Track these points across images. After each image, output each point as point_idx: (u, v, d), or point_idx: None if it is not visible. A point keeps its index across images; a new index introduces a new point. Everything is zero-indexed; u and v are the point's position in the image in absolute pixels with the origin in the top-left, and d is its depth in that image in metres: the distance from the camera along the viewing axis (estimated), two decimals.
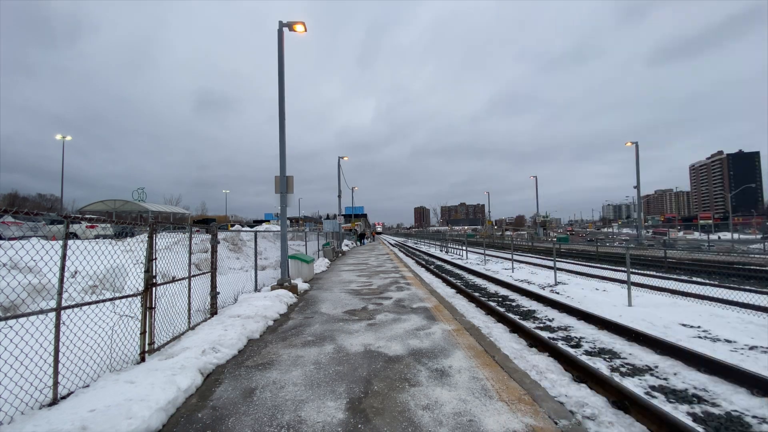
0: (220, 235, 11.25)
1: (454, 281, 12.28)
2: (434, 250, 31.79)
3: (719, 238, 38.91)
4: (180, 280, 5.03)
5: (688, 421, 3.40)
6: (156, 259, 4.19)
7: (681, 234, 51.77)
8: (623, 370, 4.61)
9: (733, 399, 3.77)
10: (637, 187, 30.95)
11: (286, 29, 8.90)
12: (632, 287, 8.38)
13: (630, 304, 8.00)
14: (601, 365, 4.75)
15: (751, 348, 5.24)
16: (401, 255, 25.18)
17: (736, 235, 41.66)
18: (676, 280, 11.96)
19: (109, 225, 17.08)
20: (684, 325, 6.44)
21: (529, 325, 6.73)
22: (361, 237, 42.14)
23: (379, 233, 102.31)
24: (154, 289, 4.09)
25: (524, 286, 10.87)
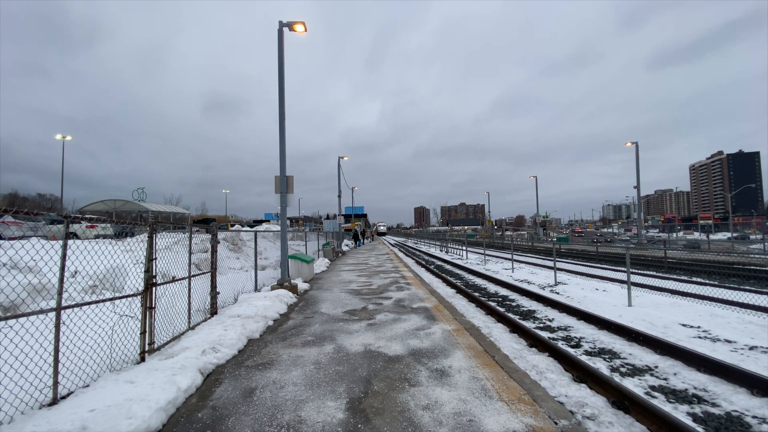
0: (220, 235, 11.26)
1: (454, 281, 12.28)
2: (434, 250, 31.79)
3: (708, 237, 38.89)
4: (180, 280, 5.03)
5: (688, 421, 3.40)
6: (156, 259, 4.19)
7: (681, 234, 51.73)
8: (623, 370, 4.61)
9: (733, 399, 3.77)
10: (637, 187, 30.95)
11: (286, 29, 8.90)
12: (632, 287, 8.38)
13: (630, 304, 8.01)
14: (601, 365, 4.75)
15: (751, 348, 5.24)
16: (401, 255, 25.18)
17: (736, 236, 41.73)
18: (676, 280, 11.96)
19: (109, 225, 17.09)
20: (684, 325, 6.44)
21: (529, 325, 6.73)
22: (357, 237, 34.60)
23: (383, 233, 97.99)
24: (154, 289, 4.09)
25: (524, 286, 10.88)
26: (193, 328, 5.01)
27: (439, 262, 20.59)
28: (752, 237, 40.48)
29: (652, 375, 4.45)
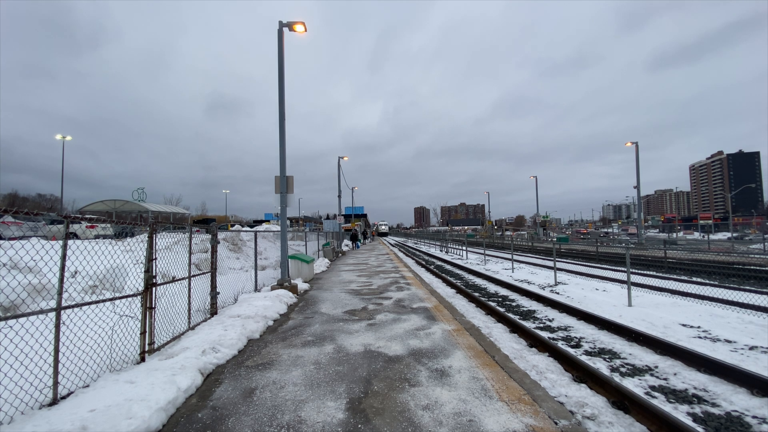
0: (220, 235, 11.27)
1: (454, 281, 12.28)
2: (434, 250, 31.79)
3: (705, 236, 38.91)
4: (180, 280, 5.03)
5: (688, 422, 3.40)
6: (156, 259, 4.19)
7: (681, 234, 51.76)
8: (623, 370, 4.61)
9: (733, 399, 3.77)
10: (637, 187, 30.95)
11: (286, 29, 8.91)
12: (632, 287, 8.38)
13: (630, 304, 8.00)
14: (601, 365, 4.75)
15: (751, 348, 5.24)
16: (401, 255, 25.18)
17: (736, 236, 41.80)
18: (676, 280, 11.96)
19: (109, 225, 17.10)
20: (684, 325, 6.44)
21: (529, 325, 6.73)
22: (354, 238, 31.77)
23: (384, 234, 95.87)
24: (154, 289, 4.09)
25: (524, 286, 10.87)
26: (193, 328, 5.01)
27: (439, 262, 20.59)
28: (749, 237, 40.50)
29: (652, 375, 4.44)
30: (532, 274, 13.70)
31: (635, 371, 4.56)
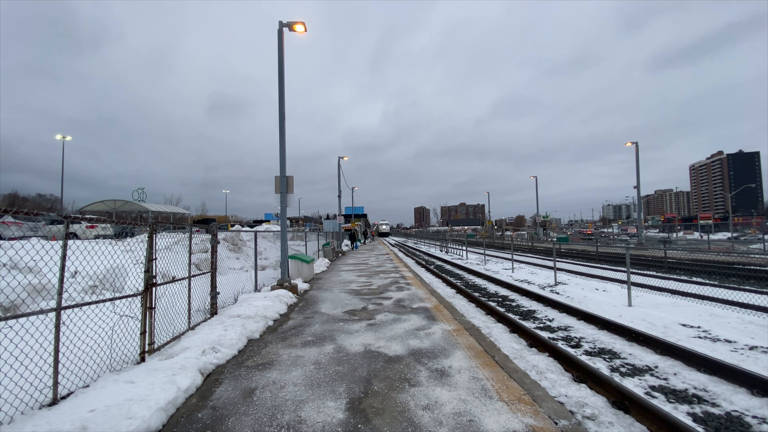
0: (220, 235, 11.26)
1: (454, 281, 12.27)
2: (434, 250, 31.78)
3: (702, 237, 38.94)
4: (180, 280, 5.03)
5: (688, 422, 3.40)
6: (156, 259, 4.19)
7: (681, 234, 51.73)
8: (623, 370, 4.61)
9: (733, 399, 3.77)
10: (637, 187, 30.94)
11: (286, 29, 8.91)
12: (632, 287, 8.38)
13: (630, 304, 8.00)
14: (601, 365, 4.75)
15: (752, 348, 5.24)
16: (401, 255, 25.17)
17: (735, 236, 41.83)
18: (676, 280, 11.95)
19: (109, 225, 17.11)
20: (684, 325, 6.44)
21: (529, 325, 6.73)
22: (353, 238, 31.14)
23: (385, 234, 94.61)
24: (154, 289, 4.09)
25: (524, 286, 10.87)
26: (193, 329, 5.01)
27: (439, 262, 20.59)
28: (744, 237, 40.51)
29: (652, 375, 4.45)
30: (532, 274, 13.70)
31: (635, 371, 4.56)
